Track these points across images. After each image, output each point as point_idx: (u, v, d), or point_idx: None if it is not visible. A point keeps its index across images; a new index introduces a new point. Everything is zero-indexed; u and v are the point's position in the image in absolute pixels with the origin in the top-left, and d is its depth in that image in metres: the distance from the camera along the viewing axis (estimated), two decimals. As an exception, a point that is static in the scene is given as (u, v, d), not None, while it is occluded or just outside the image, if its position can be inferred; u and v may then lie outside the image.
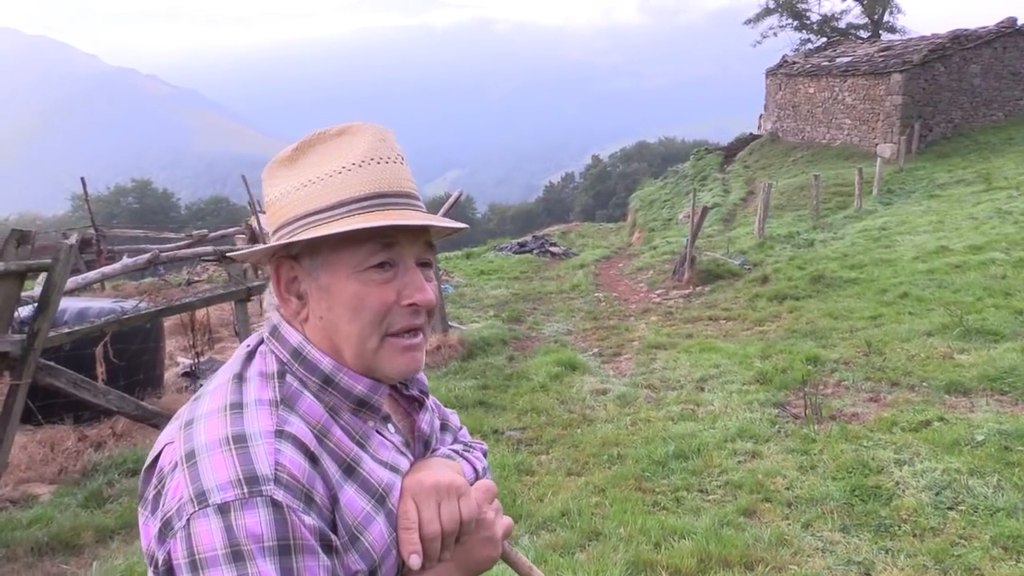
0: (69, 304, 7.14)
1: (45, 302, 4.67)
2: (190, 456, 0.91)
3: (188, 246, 13.01)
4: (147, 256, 7.15)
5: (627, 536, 4.09)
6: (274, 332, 1.05)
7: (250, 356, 1.05)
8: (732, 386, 6.88)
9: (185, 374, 8.30)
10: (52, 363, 5.30)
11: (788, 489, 4.64)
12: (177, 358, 8.87)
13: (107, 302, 7.85)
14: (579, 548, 4.05)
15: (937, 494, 4.34)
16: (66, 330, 5.66)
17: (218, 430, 0.93)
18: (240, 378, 1.00)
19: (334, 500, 0.95)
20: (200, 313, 8.07)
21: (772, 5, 39.89)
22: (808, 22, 40.31)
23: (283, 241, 1.02)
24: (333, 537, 0.93)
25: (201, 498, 0.88)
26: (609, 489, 4.84)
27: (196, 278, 15.44)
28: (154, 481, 0.96)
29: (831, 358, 7.37)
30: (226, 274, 14.03)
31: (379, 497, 0.99)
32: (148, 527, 0.94)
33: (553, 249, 21.40)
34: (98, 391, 5.95)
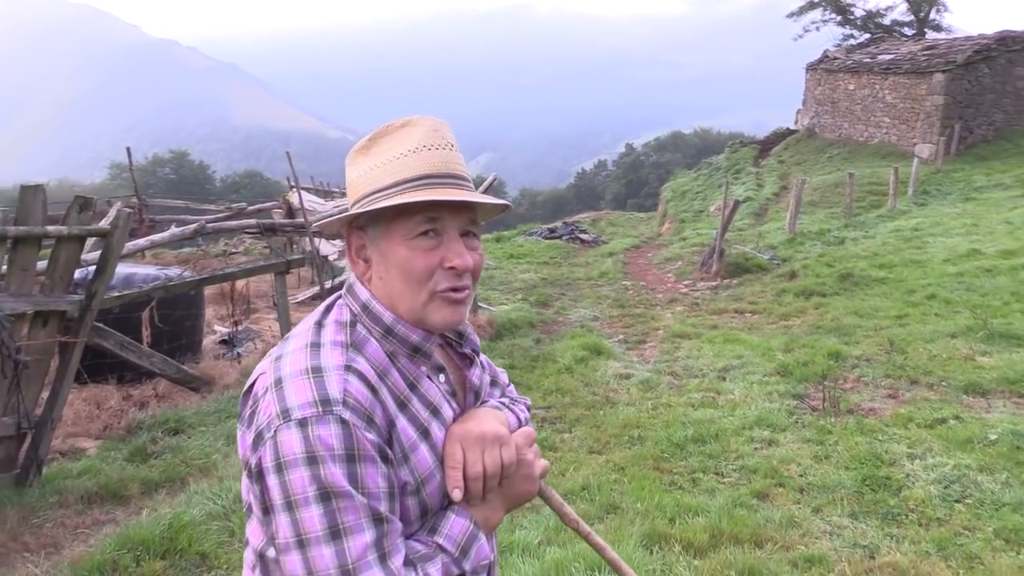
0: (116, 269, 7.43)
1: (103, 265, 4.94)
2: (278, 383, 1.15)
3: (229, 218, 13.33)
4: (194, 226, 7.42)
5: (644, 511, 4.29)
6: (349, 289, 1.30)
7: (328, 308, 1.29)
8: (753, 377, 7.03)
9: (222, 342, 8.58)
10: (102, 324, 5.58)
11: (801, 476, 4.81)
12: (214, 326, 9.15)
13: (152, 269, 8.14)
14: (598, 519, 4.25)
15: (946, 487, 4.48)
16: (115, 293, 5.94)
17: (300, 363, 1.16)
18: (320, 324, 1.24)
19: (391, 424, 1.18)
20: (239, 284, 8.37)
21: (816, -1, 39.40)
22: (852, 18, 39.79)
23: (349, 214, 1.25)
24: (389, 452, 1.15)
25: (286, 414, 1.10)
26: (628, 468, 5.04)
27: (233, 250, 15.79)
28: (250, 402, 1.20)
29: (853, 354, 7.48)
30: (263, 247, 14.38)
31: (423, 431, 1.22)
32: (244, 438, 1.19)
33: (583, 236, 21.51)
34: (143, 353, 6.25)
